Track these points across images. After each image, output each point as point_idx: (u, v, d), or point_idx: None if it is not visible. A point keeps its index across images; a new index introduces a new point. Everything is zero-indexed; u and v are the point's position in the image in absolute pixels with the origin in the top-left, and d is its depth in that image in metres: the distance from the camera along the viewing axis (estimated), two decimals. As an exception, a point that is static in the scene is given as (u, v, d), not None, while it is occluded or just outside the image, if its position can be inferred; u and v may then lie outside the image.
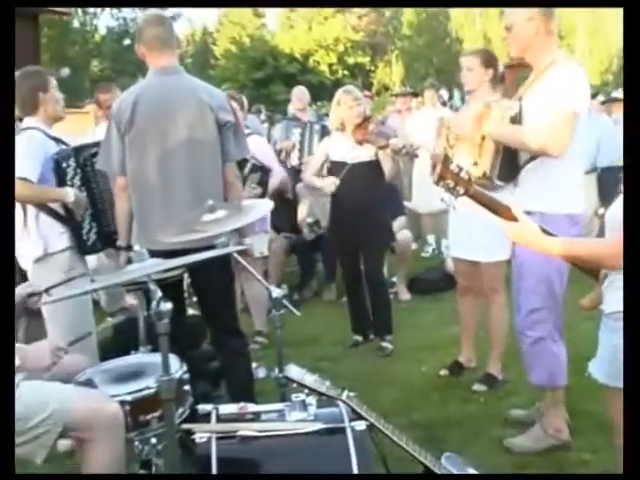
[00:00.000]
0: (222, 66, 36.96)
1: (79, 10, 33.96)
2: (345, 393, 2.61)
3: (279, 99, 26.08)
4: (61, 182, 3.78)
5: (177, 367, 2.74)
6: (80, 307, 3.69)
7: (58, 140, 3.88)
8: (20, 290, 2.98)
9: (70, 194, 3.74)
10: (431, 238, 8.51)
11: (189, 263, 2.67)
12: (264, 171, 5.52)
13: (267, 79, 33.32)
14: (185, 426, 2.56)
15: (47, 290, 3.11)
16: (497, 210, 2.42)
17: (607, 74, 28.45)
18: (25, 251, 3.77)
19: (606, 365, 2.48)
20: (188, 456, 2.64)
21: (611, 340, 2.40)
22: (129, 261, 3.48)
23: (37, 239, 3.74)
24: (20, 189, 3.56)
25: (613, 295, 2.40)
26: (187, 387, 2.81)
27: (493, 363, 4.49)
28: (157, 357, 2.40)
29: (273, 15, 49.96)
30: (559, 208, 3.40)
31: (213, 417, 2.58)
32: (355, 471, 2.39)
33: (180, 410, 2.69)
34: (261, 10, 39.60)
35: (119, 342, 4.19)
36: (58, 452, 2.88)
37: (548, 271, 3.45)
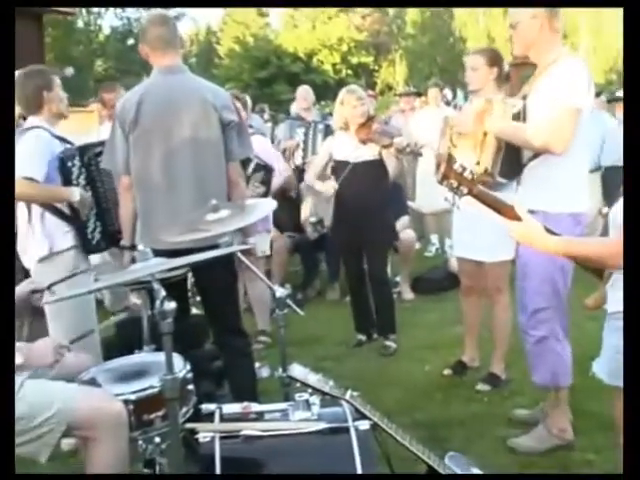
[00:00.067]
0: (226, 65, 37.00)
1: (83, 10, 34.02)
2: (349, 393, 2.60)
3: (283, 98, 26.09)
4: (66, 181, 3.78)
5: (181, 366, 2.74)
6: (83, 306, 3.69)
7: (63, 139, 3.88)
8: (23, 287, 2.98)
9: (76, 193, 3.75)
10: (434, 238, 8.51)
11: (193, 262, 2.67)
12: (267, 170, 5.53)
13: (271, 78, 33.35)
14: (189, 425, 2.56)
15: (50, 287, 3.12)
16: (501, 209, 2.41)
17: (611, 73, 28.41)
18: (29, 250, 3.78)
19: (610, 365, 2.47)
20: (192, 455, 2.64)
21: (615, 340, 2.39)
22: (133, 260, 3.48)
23: (42, 238, 3.75)
24: (26, 188, 3.57)
25: (617, 295, 2.39)
26: (191, 386, 2.81)
27: (497, 363, 4.49)
28: (161, 356, 2.40)
29: (277, 14, 49.96)
30: (562, 207, 3.39)
31: (217, 416, 2.58)
32: (359, 471, 2.38)
33: (184, 409, 2.69)
34: (265, 10, 39.64)
35: (123, 341, 4.19)
36: (62, 451, 2.89)
37: (552, 271, 3.45)
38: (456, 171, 2.43)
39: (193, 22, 55.20)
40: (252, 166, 5.29)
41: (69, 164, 3.80)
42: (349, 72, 35.76)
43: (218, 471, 2.38)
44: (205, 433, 2.47)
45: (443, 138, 4.26)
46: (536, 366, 3.63)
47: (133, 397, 2.63)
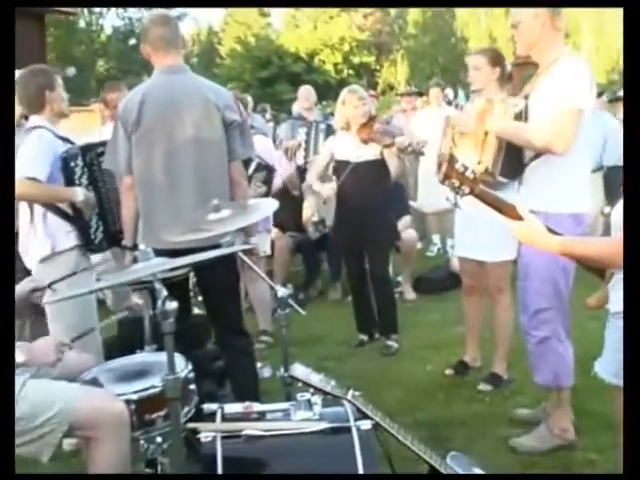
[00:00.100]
0: (227, 65, 37.00)
1: (85, 10, 34.04)
2: (350, 392, 2.60)
3: (284, 98, 26.09)
4: (69, 181, 3.79)
5: (182, 366, 2.74)
6: (84, 306, 3.69)
7: (65, 139, 3.88)
8: (23, 286, 2.98)
9: (79, 193, 3.75)
10: (436, 237, 8.50)
11: (194, 262, 2.67)
12: (269, 170, 5.54)
13: (272, 78, 33.35)
14: (190, 425, 2.56)
15: (50, 285, 3.12)
16: (502, 209, 2.41)
17: (613, 73, 28.38)
18: (31, 250, 3.78)
19: (612, 364, 2.47)
20: (193, 455, 2.65)
21: (617, 339, 2.39)
22: (134, 260, 3.48)
23: (44, 238, 3.75)
24: (29, 189, 3.58)
25: (619, 294, 2.39)
26: (192, 386, 2.81)
27: (498, 362, 4.48)
28: (162, 356, 2.40)
29: (278, 14, 50.04)
30: (563, 207, 3.39)
31: (218, 416, 2.58)
32: (360, 470, 2.38)
33: (185, 409, 2.69)
34: (266, 9, 39.65)
35: (124, 341, 4.19)
36: (64, 451, 2.89)
37: (554, 271, 3.44)
38: (458, 171, 2.43)
39: (195, 22, 55.24)
40: (253, 166, 5.29)
41: (72, 164, 3.80)
42: (351, 72, 35.76)
43: (220, 471, 2.38)
44: (207, 433, 2.47)
45: (445, 138, 4.27)
46: (538, 366, 3.63)
47: (135, 397, 2.63)
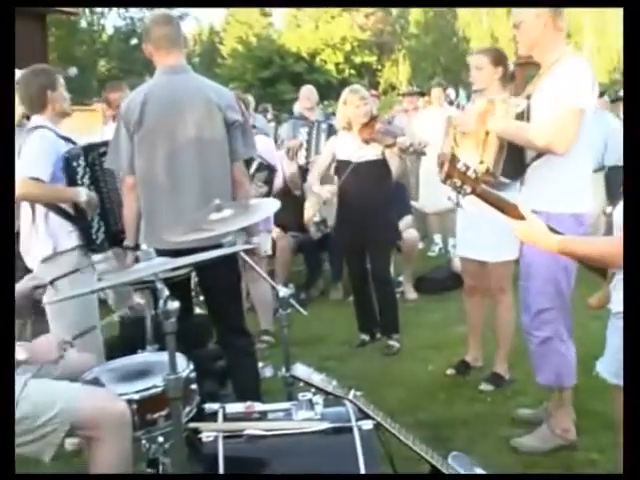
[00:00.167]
0: (229, 65, 37.02)
1: (86, 10, 34.09)
2: (352, 392, 2.60)
3: (286, 98, 26.10)
4: (71, 181, 3.79)
5: (184, 366, 2.74)
6: (85, 305, 3.68)
7: (67, 139, 3.88)
8: (24, 283, 2.98)
9: (83, 194, 3.75)
10: (438, 237, 8.50)
11: (196, 262, 2.67)
12: (270, 170, 5.54)
13: (274, 78, 33.35)
14: (192, 425, 2.56)
15: (52, 282, 3.12)
16: (504, 209, 2.41)
17: (615, 73, 28.34)
18: (33, 250, 3.78)
19: (614, 364, 2.47)
20: (195, 455, 2.65)
21: (618, 339, 2.38)
22: (136, 260, 3.49)
23: (46, 238, 3.75)
24: (33, 189, 3.58)
25: (621, 294, 2.39)
26: (194, 386, 2.81)
27: (500, 362, 4.48)
28: (164, 356, 2.40)
29: (280, 14, 49.98)
30: (565, 208, 3.38)
31: (220, 416, 2.57)
32: (362, 470, 2.38)
33: (187, 409, 2.69)
34: (268, 9, 39.66)
35: (126, 341, 4.19)
36: (66, 451, 2.90)
37: (555, 271, 3.44)
38: (459, 170, 2.43)
39: (196, 22, 55.21)
40: (255, 166, 5.29)
41: (74, 164, 3.80)
42: (352, 72, 35.76)
43: (221, 471, 2.38)
44: (208, 433, 2.47)
45: (447, 137, 4.26)
46: (540, 367, 3.62)
47: (136, 397, 2.63)
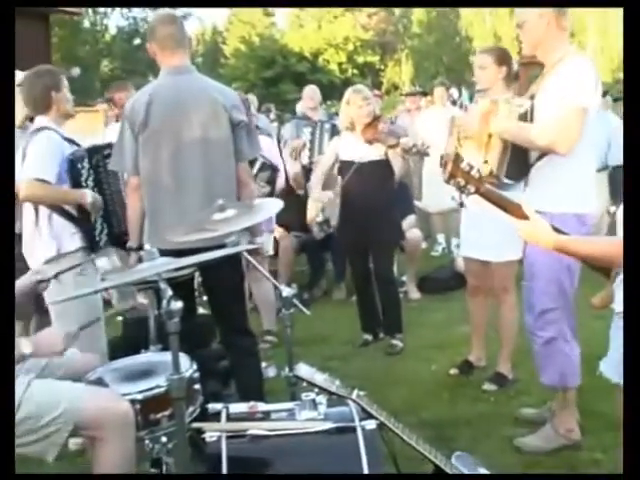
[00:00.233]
0: (232, 65, 37.07)
1: (89, 10, 34.12)
2: (355, 392, 2.60)
3: (289, 98, 26.11)
4: (76, 183, 3.79)
5: (187, 366, 2.74)
6: (89, 305, 3.68)
7: (70, 140, 3.89)
8: (29, 277, 2.98)
9: (88, 196, 3.76)
10: (441, 237, 8.50)
11: (200, 262, 2.67)
12: (273, 170, 5.54)
13: (277, 78, 33.37)
14: (195, 425, 2.56)
15: (57, 276, 3.12)
16: (508, 208, 2.41)
17: (618, 72, 28.31)
18: (36, 251, 3.78)
19: (617, 364, 2.46)
20: (198, 455, 2.64)
21: (622, 339, 2.38)
22: (140, 260, 3.49)
23: (49, 239, 3.75)
24: (39, 190, 3.59)
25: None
26: (197, 386, 2.81)
27: (503, 362, 4.48)
28: (167, 356, 2.40)
29: (283, 14, 50.08)
30: (568, 207, 3.37)
31: (223, 416, 2.57)
32: (365, 470, 2.38)
33: (190, 409, 2.69)
34: (271, 9, 39.69)
35: (129, 341, 4.20)
36: (69, 450, 2.90)
37: (558, 271, 3.43)
38: (463, 170, 2.42)
39: (199, 22, 55.26)
40: (258, 165, 5.29)
41: (78, 166, 3.80)
42: (355, 71, 35.78)
43: (225, 471, 2.38)
44: (212, 433, 2.47)
45: (450, 137, 4.25)
46: (544, 367, 3.62)
47: (140, 397, 2.63)
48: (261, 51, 35.14)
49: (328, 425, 2.48)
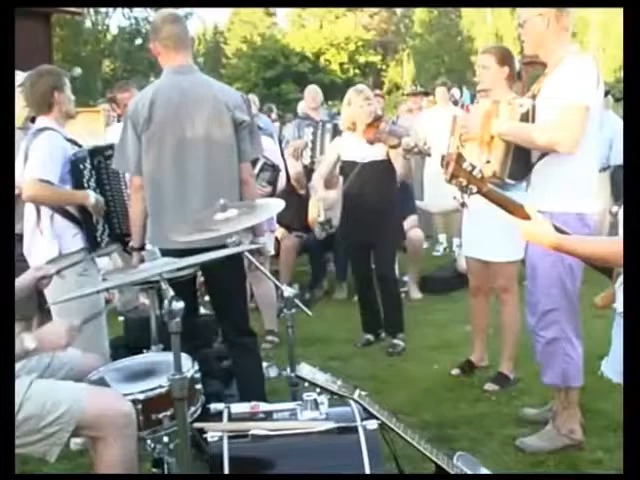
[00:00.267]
0: (233, 65, 37.11)
1: (91, 10, 34.14)
2: (357, 392, 2.60)
3: (290, 98, 26.16)
4: (78, 184, 3.79)
5: (189, 366, 2.74)
6: (91, 305, 3.68)
7: (72, 141, 3.89)
8: (31, 273, 2.98)
9: (91, 197, 3.76)
10: (442, 237, 8.50)
11: (201, 262, 2.67)
12: (275, 170, 5.54)
13: (278, 78, 33.39)
14: (197, 425, 2.57)
15: (58, 272, 3.12)
16: (510, 208, 2.40)
17: (620, 72, 28.30)
18: (38, 251, 3.77)
19: (619, 364, 2.46)
20: (200, 455, 2.65)
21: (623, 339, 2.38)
22: (142, 260, 3.49)
23: (51, 240, 3.75)
24: (42, 191, 3.59)
25: (626, 294, 2.38)
26: (199, 386, 2.81)
27: (505, 362, 4.47)
28: (169, 356, 2.40)
29: (284, 14, 50.02)
30: (570, 207, 3.37)
31: (225, 416, 2.57)
32: (367, 470, 2.38)
33: (192, 409, 2.69)
34: (272, 9, 39.70)
35: (131, 341, 4.20)
36: (71, 450, 2.90)
37: (560, 271, 3.43)
38: (465, 170, 2.42)
39: (200, 22, 55.22)
40: (259, 165, 5.29)
41: (80, 167, 3.80)
42: (356, 71, 35.79)
43: (226, 471, 2.38)
44: (213, 433, 2.47)
45: (452, 137, 4.24)
46: (546, 367, 3.61)
47: (141, 397, 2.62)
48: (262, 51, 35.16)
49: (330, 425, 2.48)
